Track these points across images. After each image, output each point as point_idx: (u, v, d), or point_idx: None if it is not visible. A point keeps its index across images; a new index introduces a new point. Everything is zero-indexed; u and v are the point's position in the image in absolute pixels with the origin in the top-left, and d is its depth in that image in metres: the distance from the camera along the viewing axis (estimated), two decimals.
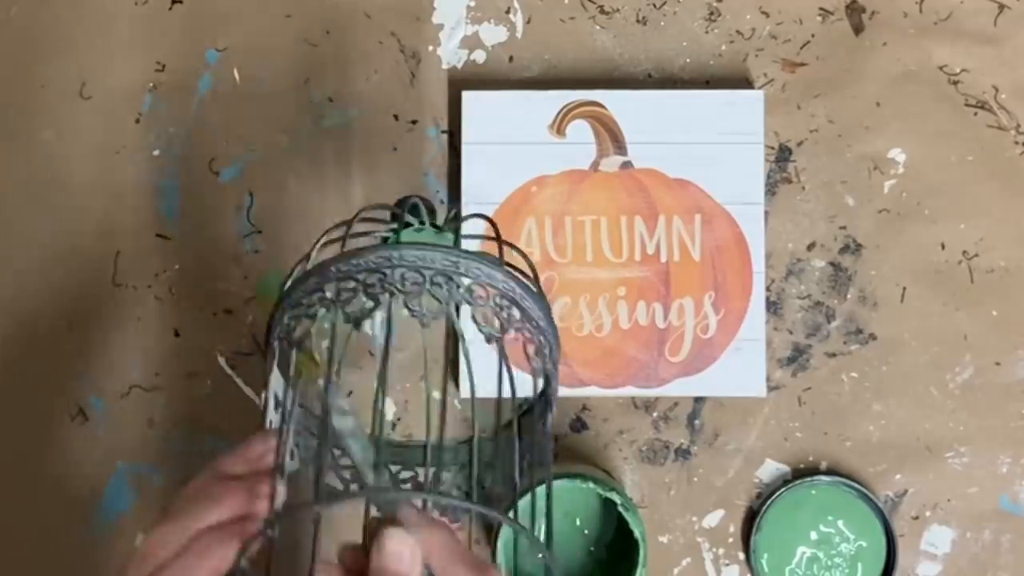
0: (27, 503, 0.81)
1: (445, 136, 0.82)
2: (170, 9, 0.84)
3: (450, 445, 0.64)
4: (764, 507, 0.78)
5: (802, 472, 0.80)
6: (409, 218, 0.59)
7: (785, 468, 0.80)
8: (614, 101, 0.80)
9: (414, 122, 0.83)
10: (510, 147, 0.79)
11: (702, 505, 0.80)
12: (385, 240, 0.63)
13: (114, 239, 0.82)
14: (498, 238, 0.57)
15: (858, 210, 0.81)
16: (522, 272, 0.55)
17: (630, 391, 0.79)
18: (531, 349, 0.55)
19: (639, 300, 0.79)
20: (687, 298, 0.79)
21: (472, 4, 0.83)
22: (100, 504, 0.80)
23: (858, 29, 0.83)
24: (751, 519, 0.79)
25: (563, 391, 0.78)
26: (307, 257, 0.55)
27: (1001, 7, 0.83)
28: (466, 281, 0.52)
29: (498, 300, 0.53)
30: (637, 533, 0.73)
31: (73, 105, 0.83)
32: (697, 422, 0.80)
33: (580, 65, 0.83)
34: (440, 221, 0.64)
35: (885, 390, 0.80)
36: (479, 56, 0.83)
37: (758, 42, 0.83)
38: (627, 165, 0.80)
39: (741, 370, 0.78)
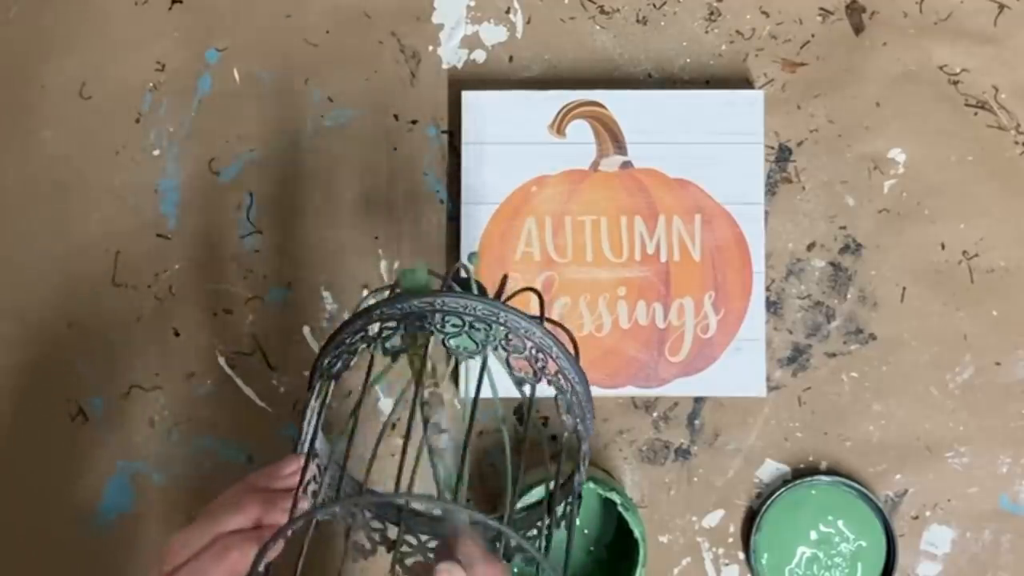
0: (27, 503, 0.81)
1: (445, 136, 0.82)
2: (170, 9, 0.84)
3: (478, 519, 0.66)
4: (764, 507, 0.78)
5: (802, 472, 0.80)
6: (455, 287, 0.61)
7: (785, 468, 0.80)
8: (614, 101, 0.80)
9: (414, 122, 0.83)
10: (510, 147, 0.79)
11: (702, 505, 0.80)
12: None
13: (114, 239, 0.82)
14: (541, 308, 0.60)
15: (858, 210, 0.81)
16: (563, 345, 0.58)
17: (630, 391, 0.79)
18: (563, 405, 0.57)
19: (639, 300, 0.79)
20: (687, 298, 0.79)
21: (472, 4, 0.83)
22: (100, 504, 0.80)
23: (858, 29, 0.83)
24: (751, 519, 0.79)
25: None
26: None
27: (1001, 7, 0.83)
28: (503, 331, 0.55)
29: (534, 352, 0.56)
30: (637, 533, 0.73)
31: (73, 105, 0.83)
32: (697, 422, 0.80)
33: (580, 65, 0.83)
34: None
35: (885, 390, 0.80)
36: (479, 56, 0.83)
37: (758, 42, 0.83)
38: (627, 165, 0.80)
39: (741, 370, 0.78)
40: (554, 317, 0.78)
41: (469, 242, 0.79)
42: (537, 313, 0.57)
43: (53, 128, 0.83)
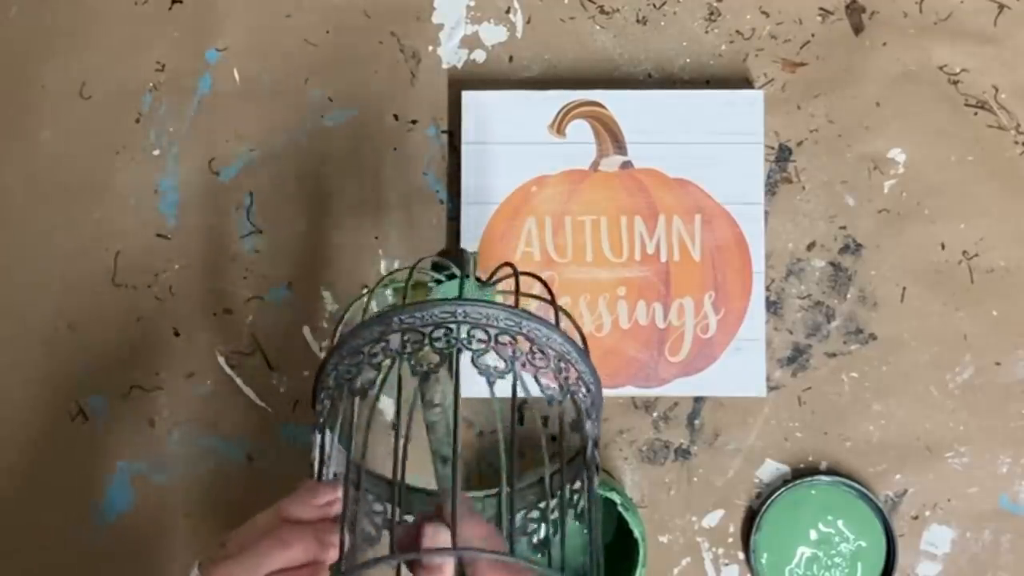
0: (27, 503, 0.81)
1: (445, 136, 0.82)
2: (170, 9, 0.84)
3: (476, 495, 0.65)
4: (764, 507, 0.78)
5: (802, 472, 0.80)
6: (455, 270, 0.60)
7: (785, 468, 0.80)
8: (614, 101, 0.80)
9: (414, 122, 0.83)
10: (510, 147, 0.79)
11: (702, 505, 0.80)
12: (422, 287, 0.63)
13: (114, 239, 0.82)
14: (552, 301, 0.58)
15: (858, 210, 0.81)
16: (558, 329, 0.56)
17: (630, 391, 0.79)
18: (584, 412, 0.56)
19: (639, 300, 0.79)
20: (687, 298, 0.79)
21: (472, 4, 0.83)
22: (100, 504, 0.80)
23: (858, 29, 0.83)
24: (751, 519, 0.79)
25: None
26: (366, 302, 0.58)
27: (1001, 7, 0.83)
28: (527, 344, 0.53)
29: (557, 363, 0.54)
30: (637, 533, 0.73)
31: (73, 105, 0.83)
32: (697, 422, 0.80)
33: (580, 65, 0.83)
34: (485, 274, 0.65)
35: (885, 390, 0.80)
36: (479, 56, 0.83)
37: (758, 42, 0.83)
38: (627, 165, 0.80)
39: (741, 370, 0.78)
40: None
41: (469, 242, 0.79)
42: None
43: (53, 128, 0.83)
